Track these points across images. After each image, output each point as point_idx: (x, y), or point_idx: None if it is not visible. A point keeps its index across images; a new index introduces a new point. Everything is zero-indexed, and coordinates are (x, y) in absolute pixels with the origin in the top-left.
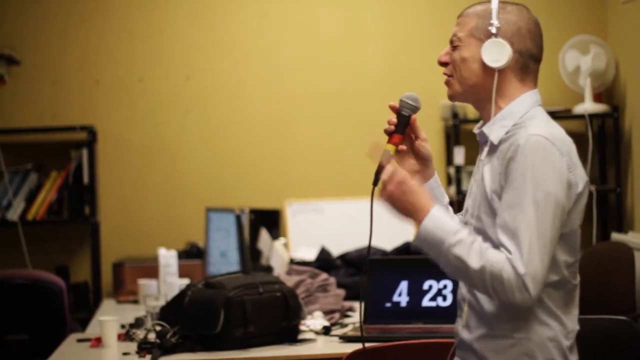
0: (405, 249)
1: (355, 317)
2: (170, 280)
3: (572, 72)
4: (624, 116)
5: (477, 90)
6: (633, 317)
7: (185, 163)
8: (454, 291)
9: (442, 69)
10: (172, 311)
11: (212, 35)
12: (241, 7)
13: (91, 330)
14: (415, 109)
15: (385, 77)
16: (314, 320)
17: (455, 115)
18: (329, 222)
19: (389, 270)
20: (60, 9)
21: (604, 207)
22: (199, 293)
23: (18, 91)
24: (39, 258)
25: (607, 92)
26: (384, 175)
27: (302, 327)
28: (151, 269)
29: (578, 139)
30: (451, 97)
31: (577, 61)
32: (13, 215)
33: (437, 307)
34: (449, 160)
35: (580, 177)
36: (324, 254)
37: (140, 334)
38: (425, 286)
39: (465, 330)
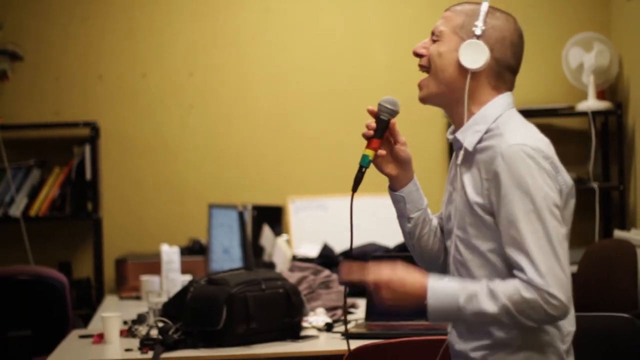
0: (406, 246)
1: (357, 314)
2: (172, 277)
3: (576, 69)
4: (627, 113)
5: (449, 90)
6: (635, 315)
7: (188, 159)
8: None
9: None
10: (174, 307)
11: (215, 31)
12: (244, 4)
13: (93, 327)
14: (394, 113)
15: (388, 74)
16: (317, 317)
17: None
18: (332, 219)
19: None
20: (64, 5)
21: (606, 205)
22: (201, 289)
23: (21, 87)
24: (41, 254)
25: (611, 89)
26: (370, 286)
27: (304, 324)
28: (154, 265)
29: (581, 136)
30: (423, 100)
31: (580, 58)
32: (15, 211)
33: None
34: (452, 158)
35: (564, 179)
36: (326, 251)
37: (142, 330)
38: None
39: (460, 340)
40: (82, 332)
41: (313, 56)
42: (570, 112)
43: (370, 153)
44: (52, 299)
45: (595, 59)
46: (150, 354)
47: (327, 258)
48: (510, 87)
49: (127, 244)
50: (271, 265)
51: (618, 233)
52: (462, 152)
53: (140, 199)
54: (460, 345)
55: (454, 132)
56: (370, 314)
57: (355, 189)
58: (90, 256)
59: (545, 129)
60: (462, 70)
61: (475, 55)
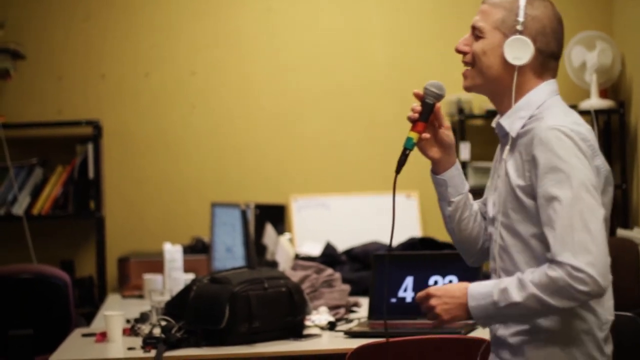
0: (410, 244)
1: (360, 313)
2: (175, 275)
3: (578, 68)
4: (629, 112)
5: (495, 84)
6: (638, 313)
7: (191, 158)
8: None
9: (445, 65)
10: (177, 306)
11: (217, 31)
12: (246, 4)
13: (96, 325)
14: (439, 97)
15: (390, 72)
16: (319, 316)
17: (460, 110)
18: (334, 218)
19: (394, 266)
20: (66, 3)
21: None
22: (204, 288)
23: (23, 86)
24: (44, 253)
25: (613, 88)
26: (419, 299)
27: (307, 323)
28: (156, 264)
29: None
30: (467, 89)
31: (583, 57)
32: (18, 210)
33: None
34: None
35: (603, 163)
36: (329, 249)
37: (145, 328)
38: (431, 282)
39: (500, 326)
40: (85, 330)
41: (314, 55)
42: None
43: (414, 136)
44: (55, 297)
45: (598, 57)
46: (153, 353)
47: (330, 257)
48: (554, 73)
49: (130, 243)
50: (274, 264)
51: (621, 232)
52: (508, 141)
53: (143, 198)
54: (501, 330)
55: (499, 119)
56: (372, 312)
57: (398, 170)
58: (93, 255)
59: None
60: (508, 66)
61: (520, 51)
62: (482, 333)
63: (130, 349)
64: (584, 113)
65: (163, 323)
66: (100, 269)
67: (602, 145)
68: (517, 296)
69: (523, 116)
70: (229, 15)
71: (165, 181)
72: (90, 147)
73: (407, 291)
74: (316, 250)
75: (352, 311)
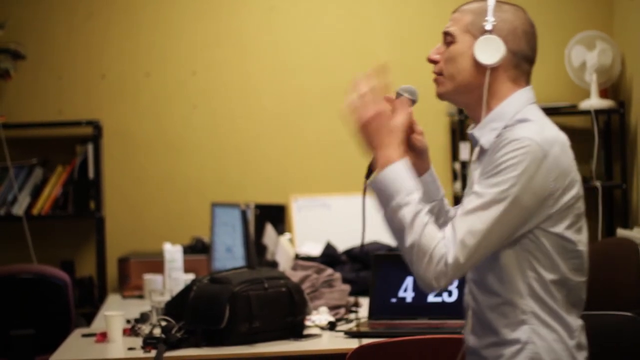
0: None
1: (360, 313)
2: (175, 275)
3: (578, 68)
4: (630, 112)
5: (467, 89)
6: (638, 313)
7: (191, 158)
8: (460, 287)
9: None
10: (177, 306)
11: (218, 30)
12: (248, 2)
13: (96, 325)
14: (411, 102)
15: (391, 72)
16: (319, 316)
17: (461, 110)
18: (335, 218)
19: (394, 266)
20: (66, 3)
21: (609, 203)
22: (204, 288)
23: (24, 86)
24: (44, 253)
25: (613, 88)
26: (365, 98)
27: (307, 323)
28: (156, 264)
29: (584, 134)
30: (440, 96)
31: (583, 57)
32: (18, 210)
33: (443, 302)
34: (455, 155)
35: (568, 180)
36: (329, 250)
37: (145, 329)
38: None
39: (472, 336)
40: (85, 330)
41: (316, 55)
42: (573, 110)
43: None
44: (55, 297)
45: (598, 57)
46: (153, 353)
47: (330, 257)
48: (528, 78)
49: (130, 243)
50: (274, 264)
51: (621, 232)
52: (477, 149)
53: (143, 198)
54: (473, 341)
55: (473, 128)
56: (373, 312)
57: (368, 176)
58: (93, 255)
59: None
60: (480, 67)
61: (491, 51)
62: None
63: (130, 349)
64: (583, 113)
65: (163, 323)
66: (100, 269)
67: (602, 146)
68: (407, 219)
69: (496, 127)
70: (230, 15)
71: (166, 181)
72: (90, 147)
73: (407, 291)
74: (316, 250)
75: (352, 311)
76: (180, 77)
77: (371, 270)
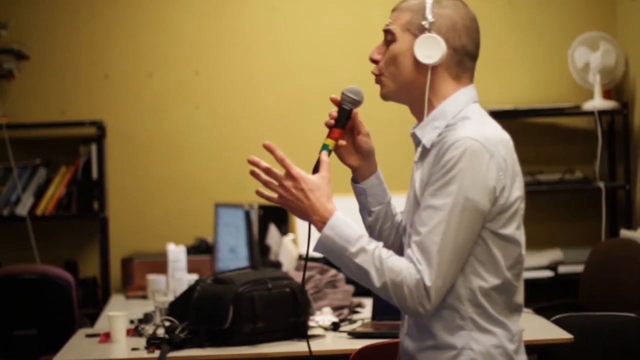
0: None
1: (364, 314)
2: (179, 276)
3: (582, 69)
4: (633, 113)
5: (409, 89)
6: None
7: (194, 158)
8: None
9: None
10: (180, 307)
11: (221, 30)
12: (250, 3)
13: (100, 326)
14: (356, 103)
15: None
16: (323, 316)
17: None
18: None
19: None
20: (69, 3)
21: (612, 204)
22: (207, 288)
23: (27, 86)
24: (47, 253)
25: (617, 89)
26: (284, 166)
27: (310, 323)
28: (160, 264)
29: (587, 135)
30: (384, 96)
31: (586, 58)
32: (22, 210)
33: None
34: None
35: (514, 179)
36: None
37: (149, 329)
38: None
39: (408, 339)
40: (89, 331)
41: (318, 56)
42: (576, 111)
43: (330, 143)
44: (58, 298)
45: (602, 58)
46: (156, 353)
47: None
48: (471, 75)
49: (133, 243)
50: (277, 265)
51: (624, 232)
52: (419, 149)
53: (147, 198)
54: (409, 344)
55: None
56: (376, 313)
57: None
58: (97, 255)
59: (551, 129)
60: (421, 67)
61: (431, 50)
62: None
63: (134, 349)
64: (587, 114)
65: (167, 323)
66: (103, 269)
67: (606, 146)
68: (372, 273)
69: (438, 126)
70: (233, 15)
71: (169, 181)
72: (93, 148)
73: None
74: None
75: (356, 312)
76: (182, 78)
77: None
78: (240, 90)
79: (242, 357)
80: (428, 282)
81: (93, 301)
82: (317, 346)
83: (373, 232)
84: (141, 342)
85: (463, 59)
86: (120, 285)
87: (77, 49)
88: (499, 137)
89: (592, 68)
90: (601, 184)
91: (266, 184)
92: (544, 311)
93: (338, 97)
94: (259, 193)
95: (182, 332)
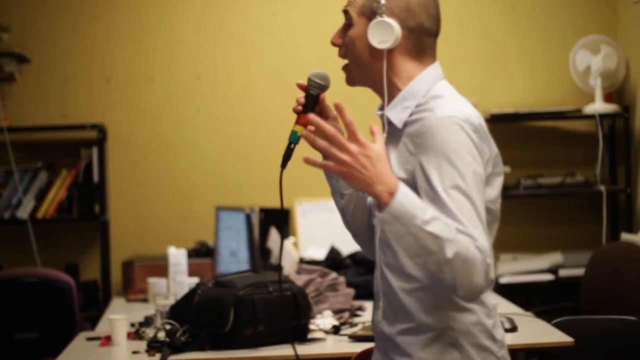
0: None
1: (364, 317)
2: (179, 279)
3: (583, 72)
4: (634, 116)
5: (369, 73)
6: None
7: (195, 162)
8: None
9: (448, 66)
10: (181, 310)
11: (222, 34)
12: (251, 7)
13: (101, 329)
14: (323, 88)
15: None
16: (324, 320)
17: None
18: (339, 222)
19: None
20: (71, 7)
21: (613, 208)
22: (208, 292)
23: (28, 89)
24: (48, 256)
25: (618, 92)
26: (348, 129)
27: (311, 327)
28: (161, 268)
29: (588, 139)
30: (350, 83)
31: (587, 61)
32: (23, 213)
33: None
34: None
35: (490, 148)
36: (333, 253)
37: (149, 332)
38: None
39: (384, 322)
40: (90, 334)
41: (318, 59)
42: (577, 115)
43: (299, 129)
44: (59, 301)
45: (603, 61)
46: (157, 357)
47: (334, 261)
48: (433, 52)
49: (134, 246)
50: (278, 268)
51: (625, 236)
52: (387, 129)
53: (148, 201)
54: (385, 327)
55: (381, 108)
56: None
57: (284, 165)
58: (98, 258)
59: (552, 132)
60: (377, 51)
61: (384, 34)
62: None
63: (134, 352)
64: (588, 117)
65: (167, 327)
66: (104, 272)
67: (607, 150)
68: (442, 232)
69: (408, 106)
70: (234, 19)
71: (170, 185)
72: (94, 151)
73: None
74: (320, 254)
75: (357, 315)
76: (183, 81)
77: None
78: (241, 93)
79: None
80: (489, 260)
81: (94, 304)
82: (317, 349)
83: (346, 214)
84: (142, 345)
85: (421, 38)
86: (121, 288)
87: (79, 53)
88: (474, 112)
89: (593, 71)
90: (602, 188)
91: (325, 150)
92: (544, 314)
93: (304, 82)
94: (309, 161)
95: (183, 335)
